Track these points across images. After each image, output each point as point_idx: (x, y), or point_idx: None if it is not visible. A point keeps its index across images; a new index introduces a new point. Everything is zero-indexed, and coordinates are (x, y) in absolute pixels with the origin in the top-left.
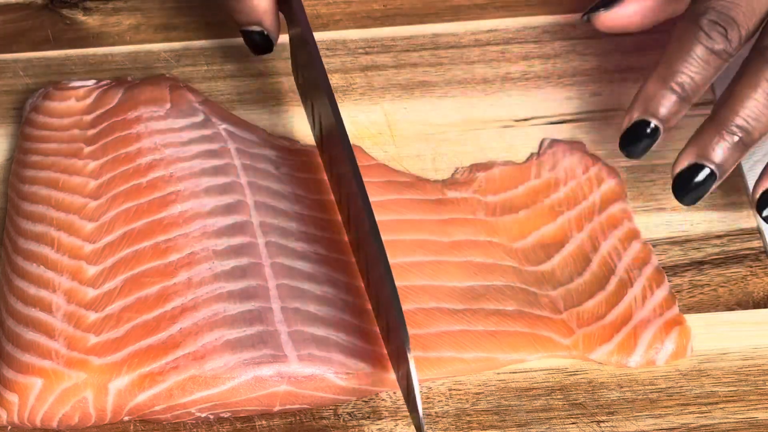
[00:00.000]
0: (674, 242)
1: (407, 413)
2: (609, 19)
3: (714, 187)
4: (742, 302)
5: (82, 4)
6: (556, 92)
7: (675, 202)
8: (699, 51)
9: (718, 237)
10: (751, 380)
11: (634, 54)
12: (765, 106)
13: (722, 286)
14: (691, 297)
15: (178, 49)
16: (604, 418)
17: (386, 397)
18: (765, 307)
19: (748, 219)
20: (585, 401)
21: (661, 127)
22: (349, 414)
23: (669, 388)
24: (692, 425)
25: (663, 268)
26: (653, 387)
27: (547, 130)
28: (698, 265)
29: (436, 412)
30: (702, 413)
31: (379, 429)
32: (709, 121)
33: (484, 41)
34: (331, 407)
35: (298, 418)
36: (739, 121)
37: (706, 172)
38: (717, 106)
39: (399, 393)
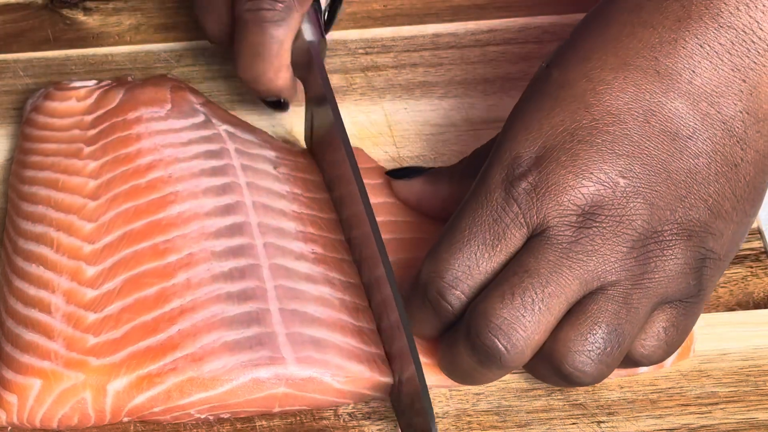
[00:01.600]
0: None
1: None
2: (402, 189)
3: None
4: (743, 303)
5: (82, 4)
6: None
7: None
8: (429, 319)
9: None
10: (751, 380)
11: None
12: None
13: (722, 287)
14: None
15: (178, 49)
16: (604, 418)
17: (386, 397)
18: (765, 307)
19: None
20: (585, 401)
21: None
22: (349, 414)
23: (669, 388)
24: (692, 426)
25: None
26: (654, 387)
27: None
28: None
29: (436, 413)
30: (702, 414)
31: (379, 429)
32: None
33: (484, 41)
34: (331, 408)
35: (298, 418)
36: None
37: None
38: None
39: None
